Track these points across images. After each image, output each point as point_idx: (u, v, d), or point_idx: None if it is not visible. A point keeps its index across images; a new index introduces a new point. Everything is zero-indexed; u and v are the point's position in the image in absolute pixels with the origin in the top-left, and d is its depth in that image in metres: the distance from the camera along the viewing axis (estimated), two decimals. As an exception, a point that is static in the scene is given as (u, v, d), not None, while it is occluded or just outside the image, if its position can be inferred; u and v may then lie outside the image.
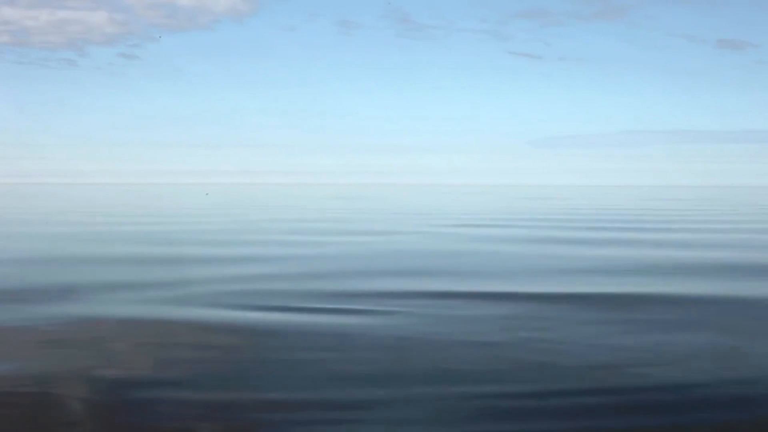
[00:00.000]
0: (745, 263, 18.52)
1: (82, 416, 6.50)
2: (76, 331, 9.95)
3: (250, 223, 32.25)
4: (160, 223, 33.22)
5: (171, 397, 6.98)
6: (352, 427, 6.24)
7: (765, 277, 15.90)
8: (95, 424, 6.29)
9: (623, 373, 7.89)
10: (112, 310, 11.59)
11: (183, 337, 9.64)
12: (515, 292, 13.42)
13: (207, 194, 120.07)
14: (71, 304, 12.20)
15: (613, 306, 12.10)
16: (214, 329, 10.06)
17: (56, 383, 7.55)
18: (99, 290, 13.47)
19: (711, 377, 7.84)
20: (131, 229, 28.51)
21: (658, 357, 8.64)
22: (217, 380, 7.65)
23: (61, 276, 15.16)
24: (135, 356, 8.75)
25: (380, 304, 12.03)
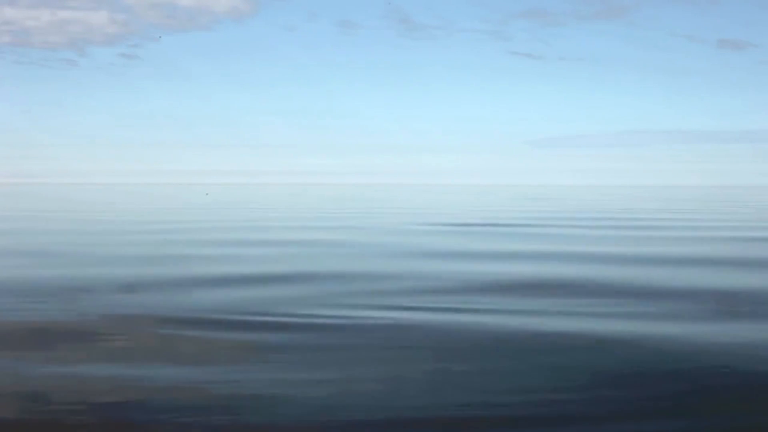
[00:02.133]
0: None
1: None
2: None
3: (233, 230, 32.81)
4: (166, 230, 33.80)
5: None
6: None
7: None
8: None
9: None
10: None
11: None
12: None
13: (207, 194, 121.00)
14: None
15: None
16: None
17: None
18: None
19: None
20: (136, 238, 29.06)
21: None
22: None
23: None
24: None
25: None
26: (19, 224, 35.44)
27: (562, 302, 12.80)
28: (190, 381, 7.82)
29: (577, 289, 14.29)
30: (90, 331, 10.32)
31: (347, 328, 10.55)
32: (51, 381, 7.85)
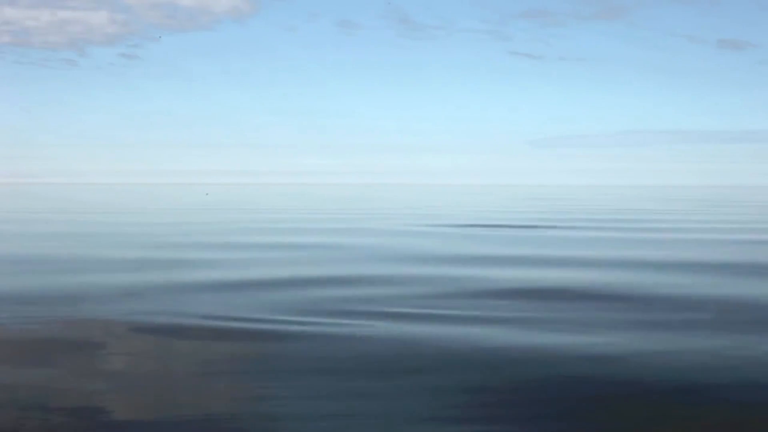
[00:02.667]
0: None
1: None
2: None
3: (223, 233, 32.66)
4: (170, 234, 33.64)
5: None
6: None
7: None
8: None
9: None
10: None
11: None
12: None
13: (207, 194, 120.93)
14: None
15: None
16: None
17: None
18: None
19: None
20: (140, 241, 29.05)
21: None
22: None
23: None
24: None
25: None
26: (19, 226, 35.38)
27: (558, 309, 12.66)
28: (186, 393, 7.72)
29: (576, 296, 14.20)
30: (87, 340, 10.22)
31: (347, 338, 10.44)
32: (45, 392, 7.74)
